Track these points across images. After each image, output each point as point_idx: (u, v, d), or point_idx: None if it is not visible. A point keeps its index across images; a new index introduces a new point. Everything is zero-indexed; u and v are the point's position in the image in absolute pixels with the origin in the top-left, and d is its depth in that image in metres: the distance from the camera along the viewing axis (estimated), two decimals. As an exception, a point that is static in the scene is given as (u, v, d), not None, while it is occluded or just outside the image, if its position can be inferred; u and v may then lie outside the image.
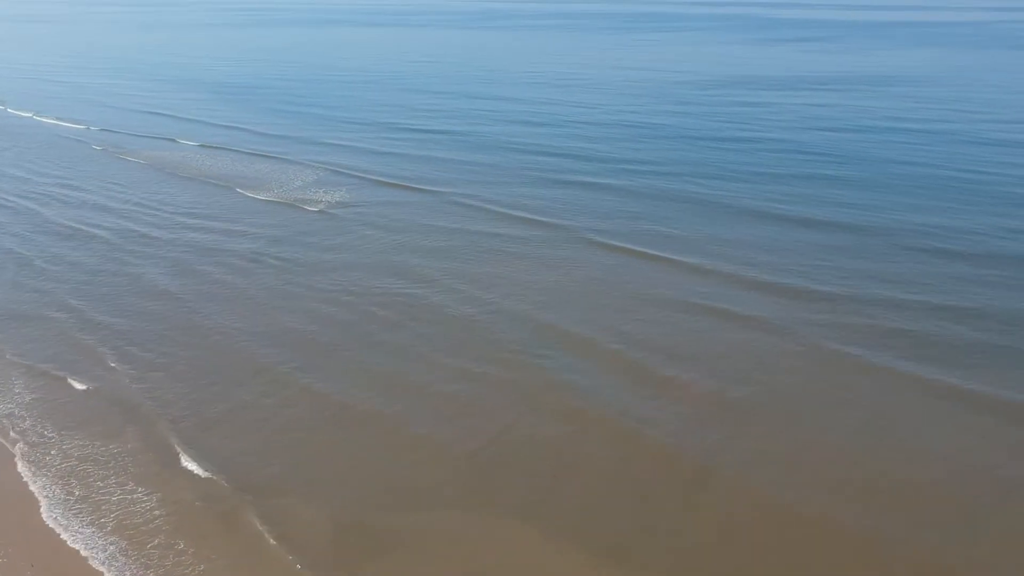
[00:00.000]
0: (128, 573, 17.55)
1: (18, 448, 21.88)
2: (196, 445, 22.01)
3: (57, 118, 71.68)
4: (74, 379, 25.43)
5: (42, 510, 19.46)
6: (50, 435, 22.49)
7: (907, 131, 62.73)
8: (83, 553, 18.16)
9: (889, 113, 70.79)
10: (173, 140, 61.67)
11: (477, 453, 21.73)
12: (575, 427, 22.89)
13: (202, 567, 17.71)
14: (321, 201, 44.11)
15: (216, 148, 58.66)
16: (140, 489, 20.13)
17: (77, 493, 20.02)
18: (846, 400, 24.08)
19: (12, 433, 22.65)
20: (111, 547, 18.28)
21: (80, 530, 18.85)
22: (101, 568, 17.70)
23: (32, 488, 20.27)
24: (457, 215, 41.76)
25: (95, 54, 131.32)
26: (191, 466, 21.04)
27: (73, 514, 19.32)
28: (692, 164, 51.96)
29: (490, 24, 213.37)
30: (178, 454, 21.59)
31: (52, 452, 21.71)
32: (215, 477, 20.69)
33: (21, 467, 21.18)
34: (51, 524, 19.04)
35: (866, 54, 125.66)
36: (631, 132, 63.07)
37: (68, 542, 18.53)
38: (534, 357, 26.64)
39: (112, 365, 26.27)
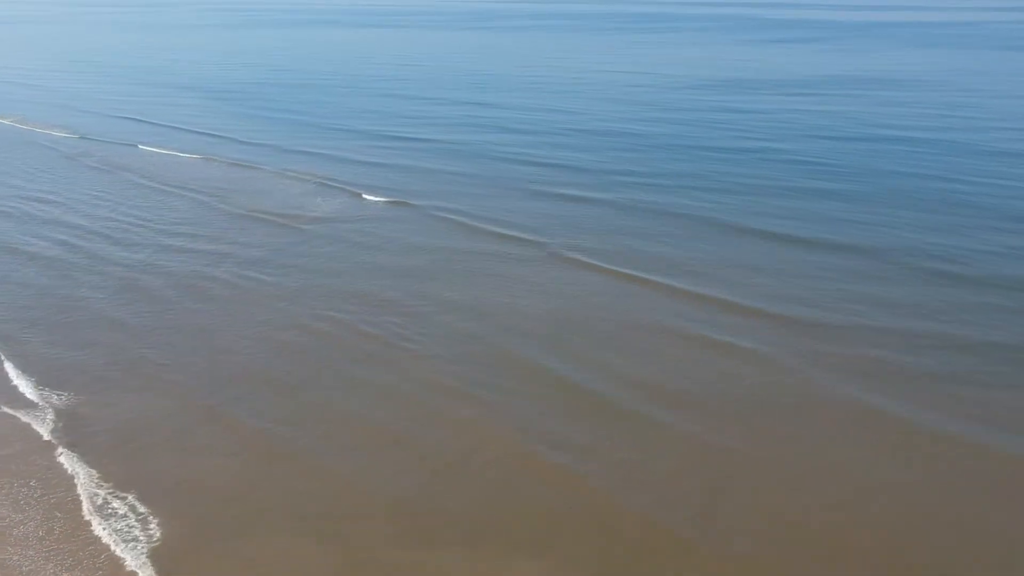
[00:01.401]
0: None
1: None
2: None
3: (34, 124, 69.57)
4: None
5: None
6: None
7: (910, 140, 60.69)
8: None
9: (891, 120, 68.82)
10: (152, 148, 59.66)
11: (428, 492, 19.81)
12: (532, 484, 20.87)
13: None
14: (300, 216, 42.18)
15: (197, 157, 56.71)
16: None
17: None
18: (838, 460, 21.59)
19: None
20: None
21: None
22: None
23: None
24: (439, 232, 39.87)
25: (81, 57, 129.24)
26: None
27: None
28: (684, 176, 49.92)
29: (484, 25, 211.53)
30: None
31: None
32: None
33: None
34: None
35: (868, 55, 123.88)
36: (621, 141, 61.09)
37: None
38: (503, 394, 24.71)
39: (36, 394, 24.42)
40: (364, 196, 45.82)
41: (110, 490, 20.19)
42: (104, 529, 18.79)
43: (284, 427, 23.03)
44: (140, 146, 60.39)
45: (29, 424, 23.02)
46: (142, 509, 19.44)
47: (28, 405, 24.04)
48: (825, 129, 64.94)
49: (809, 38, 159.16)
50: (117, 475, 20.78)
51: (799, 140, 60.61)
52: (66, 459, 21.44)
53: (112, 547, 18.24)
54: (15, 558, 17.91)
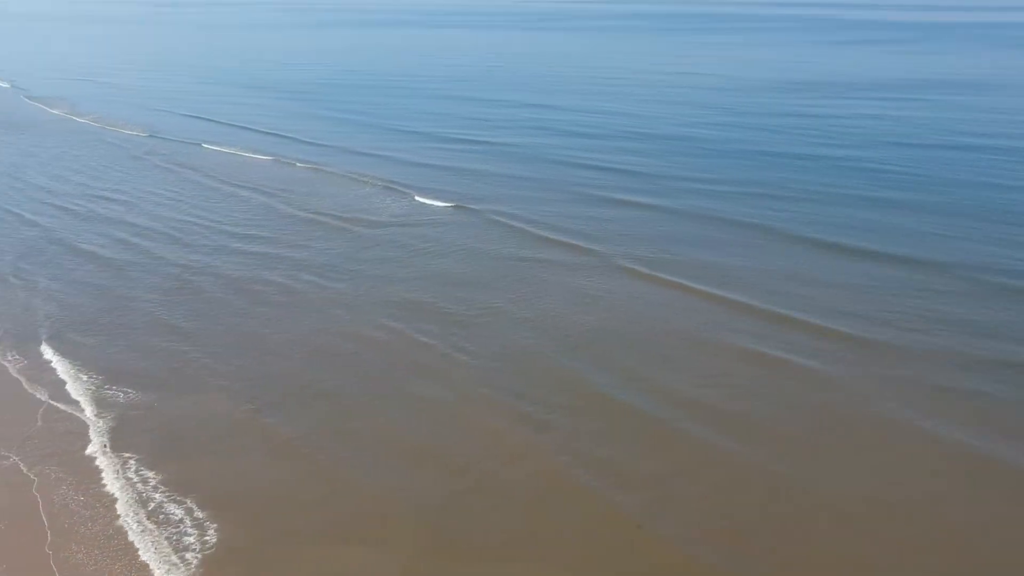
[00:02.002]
0: None
1: None
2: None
3: (107, 122, 71.52)
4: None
5: None
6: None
7: (987, 148, 57.91)
8: None
9: (967, 127, 65.88)
10: (218, 148, 60.70)
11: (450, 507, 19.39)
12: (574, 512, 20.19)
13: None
14: (361, 220, 42.18)
15: (262, 157, 57.49)
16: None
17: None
18: (900, 495, 20.30)
19: None
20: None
21: None
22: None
23: None
24: (495, 238, 39.36)
25: (159, 56, 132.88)
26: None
27: None
28: (747, 183, 48.40)
29: (551, 25, 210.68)
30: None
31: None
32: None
33: None
34: None
35: (944, 57, 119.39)
36: (684, 146, 59.73)
37: None
38: (545, 409, 24.04)
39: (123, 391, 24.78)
40: (424, 200, 45.67)
41: (165, 493, 20.33)
42: (155, 532, 18.91)
43: (328, 436, 22.91)
44: (206, 145, 61.54)
45: (85, 425, 23.29)
46: (198, 514, 19.49)
47: (83, 405, 24.35)
48: (897, 135, 62.46)
49: (883, 39, 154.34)
50: (168, 478, 20.91)
51: (869, 147, 58.37)
52: (119, 461, 21.63)
53: (161, 550, 18.37)
54: (79, 555, 18.14)
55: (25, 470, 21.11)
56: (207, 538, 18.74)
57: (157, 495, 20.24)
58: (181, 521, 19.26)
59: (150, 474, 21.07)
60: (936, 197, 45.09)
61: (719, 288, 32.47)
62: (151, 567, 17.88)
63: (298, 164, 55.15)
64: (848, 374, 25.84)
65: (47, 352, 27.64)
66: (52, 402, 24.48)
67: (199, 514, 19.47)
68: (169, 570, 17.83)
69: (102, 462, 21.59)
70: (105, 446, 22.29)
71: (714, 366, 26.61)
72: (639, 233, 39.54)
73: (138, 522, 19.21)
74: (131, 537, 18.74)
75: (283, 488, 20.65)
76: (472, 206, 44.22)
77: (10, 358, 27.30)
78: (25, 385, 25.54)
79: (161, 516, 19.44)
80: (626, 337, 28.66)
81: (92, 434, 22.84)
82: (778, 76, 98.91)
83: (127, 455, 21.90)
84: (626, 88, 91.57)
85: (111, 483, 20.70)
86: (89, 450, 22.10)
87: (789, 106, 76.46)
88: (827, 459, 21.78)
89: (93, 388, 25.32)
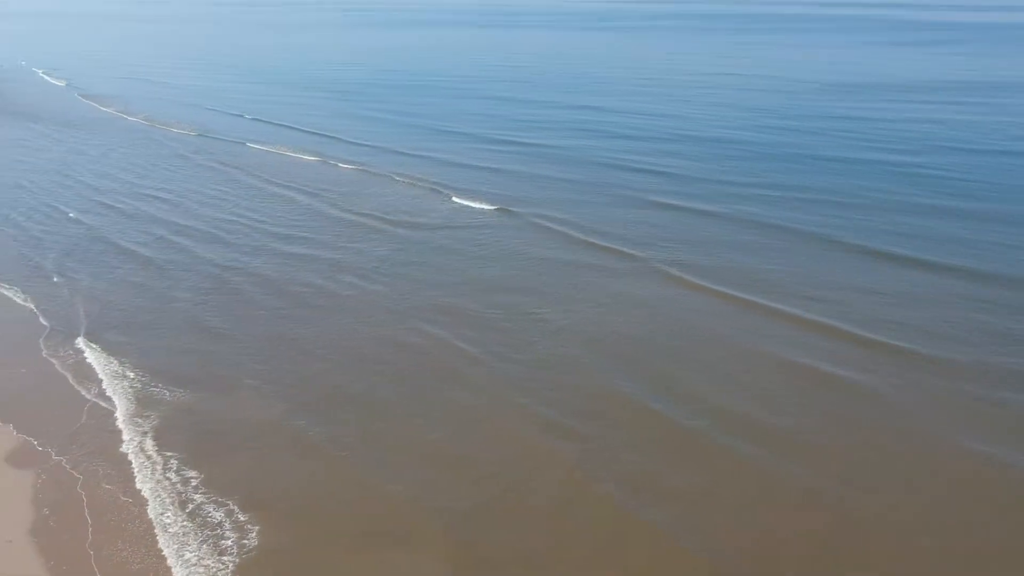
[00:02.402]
0: None
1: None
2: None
3: (157, 121, 72.79)
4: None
5: None
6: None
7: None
8: None
9: (1028, 131, 63.80)
10: (265, 147, 61.42)
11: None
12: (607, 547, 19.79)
13: None
14: (405, 222, 42.19)
15: (308, 158, 57.96)
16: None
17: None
18: (942, 512, 19.63)
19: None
20: None
21: None
22: None
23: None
24: (540, 242, 38.99)
25: (212, 55, 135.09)
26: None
27: None
28: (798, 188, 47.37)
29: (602, 25, 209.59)
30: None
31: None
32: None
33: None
34: None
35: (1007, 59, 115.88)
36: (733, 149, 58.73)
37: None
38: (578, 419, 23.57)
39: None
40: (466, 202, 45.59)
41: (205, 494, 20.48)
42: (195, 533, 19.09)
43: (360, 440, 22.90)
44: (253, 144, 62.36)
45: (128, 423, 23.60)
46: (239, 516, 19.60)
47: (126, 403, 24.65)
48: (957, 140, 60.59)
49: (943, 40, 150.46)
50: (207, 478, 21.07)
51: (927, 152, 56.71)
52: (161, 460, 21.86)
53: (201, 550, 18.56)
54: (121, 554, 18.34)
55: (70, 468, 21.44)
56: (246, 541, 18.81)
57: (197, 496, 20.40)
58: (220, 524, 19.37)
59: (191, 473, 21.26)
60: (991, 204, 43.64)
61: (761, 296, 31.82)
62: (191, 567, 17.99)
63: (342, 164, 55.50)
64: (891, 387, 25.10)
65: (92, 349, 28.14)
66: (97, 400, 24.90)
67: (239, 517, 19.59)
68: (208, 570, 17.93)
69: (144, 461, 21.83)
70: (147, 445, 22.56)
71: (753, 376, 26.02)
72: (681, 237, 38.97)
73: (178, 522, 19.38)
74: (171, 537, 18.92)
75: (316, 490, 20.72)
76: (514, 209, 43.99)
77: (60, 353, 27.86)
78: (71, 381, 26.03)
79: (200, 517, 19.60)
80: (664, 345, 28.24)
81: (135, 433, 23.14)
82: (827, 78, 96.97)
83: (168, 454, 22.15)
84: (671, 89, 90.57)
85: (152, 482, 20.92)
86: (131, 448, 22.38)
87: (838, 108, 74.85)
88: (865, 475, 21.14)
89: (137, 387, 25.69)
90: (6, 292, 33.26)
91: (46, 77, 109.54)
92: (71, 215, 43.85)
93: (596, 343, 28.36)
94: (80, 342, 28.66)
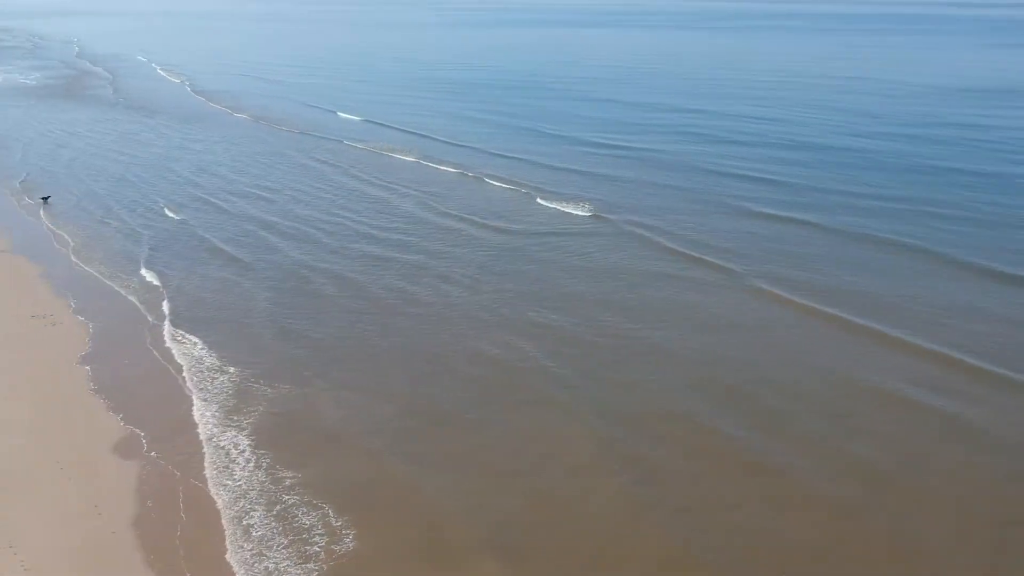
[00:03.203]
0: None
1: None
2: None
3: (262, 118, 75.07)
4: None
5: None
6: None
7: None
8: None
9: None
10: (365, 147, 62.44)
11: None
12: None
13: None
14: (499, 228, 41.71)
15: (408, 159, 58.44)
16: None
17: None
18: None
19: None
20: None
21: None
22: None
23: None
24: (632, 252, 37.98)
25: (318, 53, 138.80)
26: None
27: None
28: (911, 201, 44.87)
29: (714, 25, 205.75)
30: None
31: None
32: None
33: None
34: None
35: None
36: (842, 156, 56.33)
37: None
38: (652, 445, 22.42)
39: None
40: (561, 207, 45.12)
41: (299, 495, 20.59)
42: (287, 534, 19.19)
43: (425, 452, 22.61)
44: (352, 143, 63.43)
45: (227, 422, 24.02)
46: (332, 521, 19.63)
47: (226, 401, 25.12)
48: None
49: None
50: (300, 479, 21.20)
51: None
52: (254, 457, 22.16)
53: (291, 551, 18.64)
54: (207, 550, 18.62)
55: (170, 461, 21.93)
56: (335, 547, 18.75)
57: (289, 496, 20.50)
58: (312, 527, 19.34)
59: (286, 474, 21.40)
60: None
61: (869, 318, 29.93)
62: (283, 567, 18.13)
63: (437, 164, 55.78)
64: (1012, 428, 23.09)
65: (192, 344, 28.77)
66: (196, 394, 25.36)
67: (332, 522, 19.57)
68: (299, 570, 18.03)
69: (239, 458, 22.16)
70: (242, 442, 22.87)
71: (851, 409, 24.22)
72: (783, 251, 37.41)
73: (265, 523, 19.50)
74: (264, 536, 19.09)
75: (384, 496, 20.68)
76: (609, 216, 43.23)
77: (162, 346, 28.59)
78: (173, 373, 26.65)
79: (288, 520, 19.65)
80: (754, 369, 26.64)
81: (231, 429, 23.53)
82: (952, 82, 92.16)
83: (261, 452, 22.39)
84: (782, 92, 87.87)
85: (245, 480, 21.19)
86: (227, 444, 22.77)
87: (963, 115, 70.96)
88: (972, 530, 19.15)
89: (235, 383, 26.13)
90: (111, 284, 34.56)
91: (162, 72, 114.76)
92: (168, 212, 45.00)
93: (680, 364, 27.15)
94: (181, 336, 29.44)
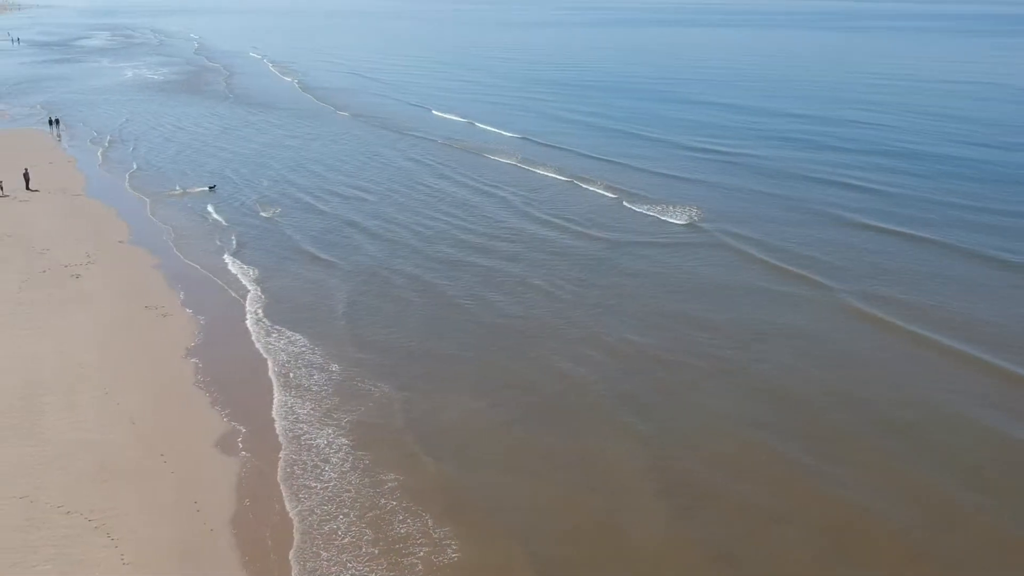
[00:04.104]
0: None
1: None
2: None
3: (364, 117, 76.82)
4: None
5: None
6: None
7: None
8: None
9: None
10: (463, 148, 63.26)
11: None
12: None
13: None
14: (589, 236, 41.21)
15: (504, 160, 58.91)
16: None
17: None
18: None
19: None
20: None
21: None
22: None
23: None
24: (724, 264, 36.89)
25: (419, 51, 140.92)
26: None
27: None
28: (1031, 218, 42.34)
29: (835, 25, 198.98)
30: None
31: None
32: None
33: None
34: None
35: None
36: (954, 167, 53.60)
37: None
38: (710, 473, 21.43)
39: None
40: (654, 215, 44.51)
41: (400, 501, 20.57)
42: (391, 541, 19.18)
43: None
44: (452, 144, 64.32)
45: (326, 422, 24.47)
46: (434, 532, 19.50)
47: (321, 397, 25.64)
48: None
49: None
50: (403, 483, 21.29)
51: None
52: (354, 458, 22.42)
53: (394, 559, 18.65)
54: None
55: (270, 459, 22.38)
56: (436, 559, 18.53)
57: (386, 501, 20.48)
58: (408, 536, 19.11)
59: (388, 477, 21.44)
60: None
61: (978, 347, 27.99)
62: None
63: (534, 167, 55.82)
64: None
65: (295, 339, 29.57)
66: (296, 390, 25.92)
67: (433, 533, 19.39)
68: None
69: (338, 459, 22.37)
70: (342, 442, 23.13)
71: (951, 449, 22.35)
72: (885, 267, 35.83)
73: (363, 527, 19.54)
74: (355, 542, 19.15)
75: (484, 506, 20.45)
76: (704, 225, 42.37)
77: (264, 340, 29.48)
78: (273, 368, 27.35)
79: (388, 525, 19.59)
80: (843, 400, 24.85)
81: (331, 428, 23.86)
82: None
83: (361, 453, 22.55)
84: (902, 97, 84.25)
85: (343, 483, 21.32)
86: (326, 443, 23.09)
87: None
88: None
89: (336, 381, 26.56)
90: (214, 278, 35.95)
91: (273, 69, 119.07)
92: (261, 209, 46.28)
93: (762, 393, 25.55)
94: (281, 332, 30.30)
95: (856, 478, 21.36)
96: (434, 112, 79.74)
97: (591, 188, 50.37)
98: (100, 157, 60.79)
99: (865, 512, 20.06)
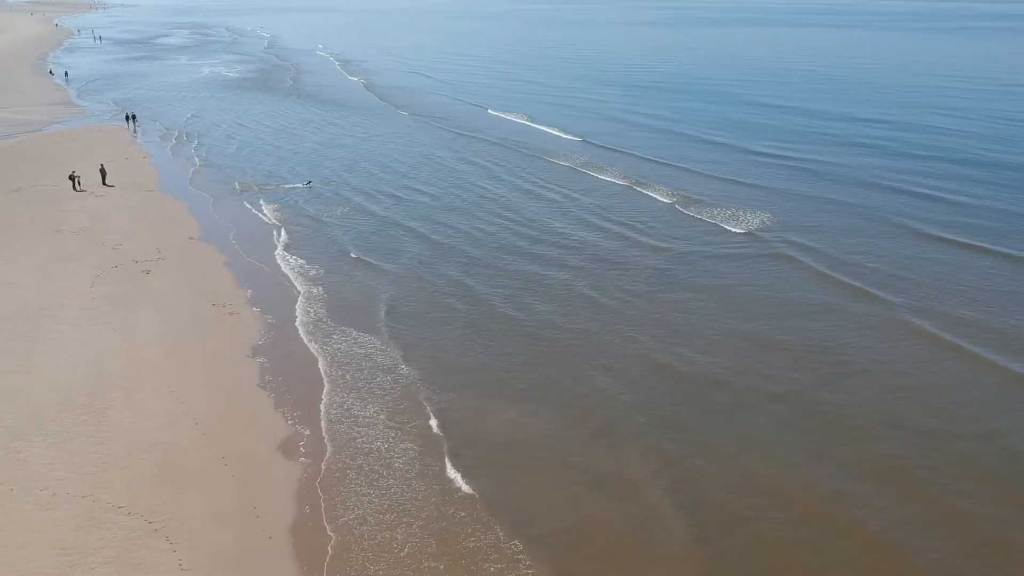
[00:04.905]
0: None
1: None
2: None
3: (423, 117, 77.21)
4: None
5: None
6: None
7: None
8: None
9: None
10: (520, 151, 63.10)
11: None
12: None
13: None
14: (648, 245, 40.27)
15: (564, 164, 58.57)
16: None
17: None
18: None
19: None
20: None
21: None
22: None
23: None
24: (784, 277, 35.56)
25: (486, 51, 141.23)
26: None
27: None
28: None
29: (920, 26, 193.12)
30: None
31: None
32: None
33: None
34: None
35: None
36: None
37: None
38: (755, 517, 20.15)
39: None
40: (714, 222, 43.56)
41: (472, 512, 20.34)
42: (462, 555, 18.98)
43: (592, 483, 21.79)
44: (508, 145, 64.25)
45: (381, 424, 24.45)
46: (508, 548, 19.27)
47: (381, 402, 25.60)
48: None
49: None
50: (476, 491, 21.13)
51: None
52: (422, 465, 22.19)
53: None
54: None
55: (331, 465, 22.34)
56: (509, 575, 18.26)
57: (454, 511, 20.19)
58: (480, 549, 18.81)
59: (452, 486, 21.21)
60: None
61: None
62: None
63: (593, 172, 55.27)
64: None
65: (353, 341, 29.65)
66: (355, 392, 25.96)
67: (506, 548, 19.10)
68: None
69: (399, 463, 22.22)
70: (407, 447, 22.99)
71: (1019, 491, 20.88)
72: (960, 283, 34.27)
73: (428, 538, 19.17)
74: (421, 552, 18.83)
75: (560, 522, 20.09)
76: (764, 235, 41.21)
77: (319, 341, 29.47)
78: (339, 377, 27.32)
79: (457, 537, 19.26)
80: (914, 434, 23.31)
81: (394, 432, 23.71)
82: None
83: (428, 460, 22.38)
84: (979, 102, 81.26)
85: (409, 491, 21.11)
86: (387, 446, 23.02)
87: None
88: None
89: (397, 386, 26.40)
90: (277, 277, 36.33)
91: (339, 68, 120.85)
92: (323, 218, 46.36)
93: (810, 421, 24.25)
94: (346, 334, 30.39)
95: (917, 522, 20.04)
96: (493, 112, 79.89)
97: (650, 193, 49.53)
98: (174, 153, 62.37)
99: (914, 555, 18.92)
